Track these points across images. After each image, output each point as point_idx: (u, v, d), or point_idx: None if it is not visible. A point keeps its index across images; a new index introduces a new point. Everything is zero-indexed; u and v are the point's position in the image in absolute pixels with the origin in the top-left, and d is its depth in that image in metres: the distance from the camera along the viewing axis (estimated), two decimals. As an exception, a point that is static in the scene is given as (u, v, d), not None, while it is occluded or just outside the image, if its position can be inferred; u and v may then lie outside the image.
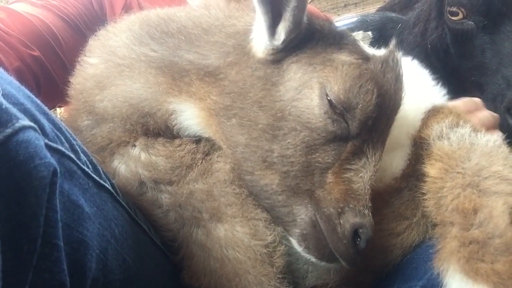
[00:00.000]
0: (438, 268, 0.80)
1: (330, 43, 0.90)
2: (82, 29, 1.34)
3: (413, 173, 0.99)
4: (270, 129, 0.84)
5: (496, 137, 0.97)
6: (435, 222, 0.89)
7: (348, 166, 0.84)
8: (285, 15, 0.85)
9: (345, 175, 0.83)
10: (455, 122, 1.01)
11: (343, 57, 0.87)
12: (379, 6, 2.08)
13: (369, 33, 1.33)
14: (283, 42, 0.87)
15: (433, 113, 1.04)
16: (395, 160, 1.01)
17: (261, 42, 0.88)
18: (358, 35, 1.29)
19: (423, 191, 0.93)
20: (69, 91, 1.03)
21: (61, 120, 1.53)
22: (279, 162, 0.83)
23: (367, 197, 0.83)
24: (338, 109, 0.82)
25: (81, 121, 0.98)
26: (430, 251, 0.85)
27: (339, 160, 0.83)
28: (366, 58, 0.90)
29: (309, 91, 0.84)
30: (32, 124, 0.55)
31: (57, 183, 0.56)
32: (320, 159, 0.83)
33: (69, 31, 1.30)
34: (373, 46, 1.28)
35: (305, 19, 0.88)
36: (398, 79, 0.90)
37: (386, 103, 0.87)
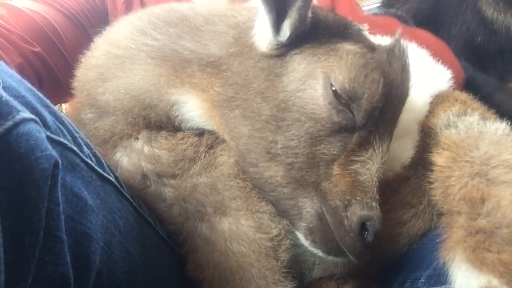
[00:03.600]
0: (444, 258, 0.80)
1: (334, 32, 0.89)
2: (84, 24, 1.35)
3: (421, 161, 0.99)
4: (274, 120, 0.84)
5: (505, 125, 0.97)
6: (442, 211, 0.89)
7: (355, 158, 0.83)
8: (290, 13, 0.84)
9: (352, 167, 0.83)
10: (463, 110, 1.00)
11: (348, 46, 0.87)
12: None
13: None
14: (288, 38, 0.86)
15: (439, 100, 1.04)
16: (405, 147, 1.01)
17: (264, 38, 0.88)
18: None
19: (430, 180, 0.93)
20: (73, 83, 1.04)
21: (66, 114, 1.55)
22: (283, 153, 0.83)
23: (375, 189, 0.82)
24: (343, 99, 0.81)
25: (85, 114, 0.99)
26: (437, 240, 0.85)
27: (345, 151, 0.83)
28: (371, 47, 0.90)
29: (313, 81, 0.84)
30: (33, 116, 0.56)
31: (58, 175, 0.56)
32: (325, 151, 0.82)
33: (70, 26, 1.31)
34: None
35: (310, 12, 0.87)
36: (404, 68, 0.89)
37: (393, 93, 0.86)
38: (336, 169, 0.82)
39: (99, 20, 1.38)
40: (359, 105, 0.82)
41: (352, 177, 0.82)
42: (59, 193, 0.56)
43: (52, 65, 1.24)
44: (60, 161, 0.56)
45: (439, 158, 0.94)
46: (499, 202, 0.81)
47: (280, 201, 0.86)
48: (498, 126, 0.96)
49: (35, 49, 1.19)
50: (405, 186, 0.98)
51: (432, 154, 0.96)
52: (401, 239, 0.95)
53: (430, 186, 0.93)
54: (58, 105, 1.62)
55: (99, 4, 1.43)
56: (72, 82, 1.05)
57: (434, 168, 0.94)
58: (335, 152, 0.82)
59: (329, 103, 0.82)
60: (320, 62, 0.85)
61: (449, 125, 0.99)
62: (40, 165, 0.53)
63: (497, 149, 0.90)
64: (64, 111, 1.67)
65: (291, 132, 0.83)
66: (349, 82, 0.82)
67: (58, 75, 1.26)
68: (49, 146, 0.55)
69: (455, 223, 0.83)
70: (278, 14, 0.85)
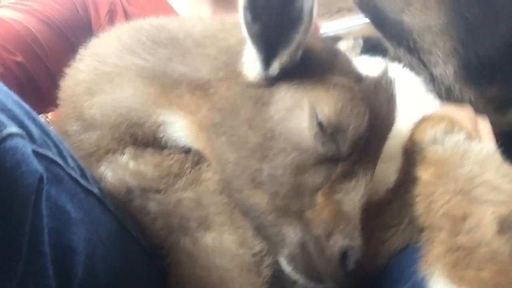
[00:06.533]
0: (424, 272, 0.84)
1: (322, 62, 0.92)
2: (67, 34, 1.37)
3: (403, 183, 1.03)
4: (260, 148, 0.86)
5: (490, 145, 1.02)
6: (423, 225, 0.92)
7: (339, 188, 0.87)
8: (281, 53, 0.87)
9: (335, 197, 0.86)
10: (450, 127, 1.05)
11: (335, 78, 0.90)
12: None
13: (360, 40, 1.36)
14: (277, 74, 0.89)
15: (425, 117, 1.08)
16: (389, 171, 1.05)
17: (252, 69, 0.90)
18: (349, 42, 1.33)
19: (414, 194, 0.97)
20: (59, 94, 1.07)
21: (50, 123, 1.57)
22: (269, 182, 0.86)
23: (357, 218, 0.86)
24: (328, 131, 0.85)
25: (70, 126, 1.02)
26: (417, 255, 0.89)
27: (330, 181, 0.86)
28: (359, 78, 0.92)
29: (299, 112, 0.86)
30: (19, 131, 0.59)
31: (43, 189, 0.60)
32: (310, 180, 0.85)
33: (53, 36, 1.33)
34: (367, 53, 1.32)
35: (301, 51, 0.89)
36: (391, 100, 0.93)
37: (378, 125, 0.90)
38: (320, 198, 0.85)
39: (82, 30, 1.40)
40: (344, 137, 0.85)
41: (336, 206, 0.85)
42: (43, 207, 0.60)
43: (34, 75, 1.26)
44: (45, 175, 0.59)
45: (424, 174, 0.98)
46: (480, 221, 0.85)
47: (263, 227, 0.89)
48: (483, 146, 1.00)
49: (17, 59, 1.21)
50: (388, 208, 1.02)
51: (417, 169, 1.00)
52: (381, 256, 0.98)
53: (414, 200, 0.97)
54: (43, 115, 1.63)
55: (82, 14, 1.45)
56: (55, 92, 1.07)
57: (418, 183, 0.98)
58: (319, 182, 0.85)
59: (315, 135, 0.84)
60: (307, 93, 0.88)
61: (436, 142, 1.03)
62: (25, 180, 0.56)
63: (481, 168, 0.94)
64: (49, 117, 1.68)
65: (276, 161, 0.85)
66: (335, 115, 0.84)
67: (40, 85, 1.28)
68: (35, 161, 0.58)
69: (436, 238, 0.87)
70: (268, 51, 0.87)
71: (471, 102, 1.34)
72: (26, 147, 0.58)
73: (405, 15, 1.35)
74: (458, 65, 1.35)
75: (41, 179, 0.58)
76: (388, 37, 1.46)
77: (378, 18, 1.43)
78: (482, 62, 1.34)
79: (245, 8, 0.83)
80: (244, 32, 0.86)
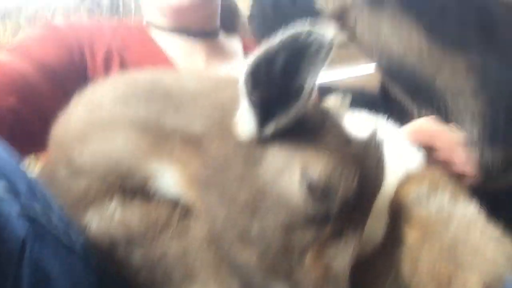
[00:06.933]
0: None
1: (314, 123, 0.93)
2: (61, 79, 1.37)
3: (388, 240, 1.03)
4: (250, 206, 0.86)
5: (475, 206, 1.03)
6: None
7: (328, 248, 0.86)
8: (278, 118, 0.87)
9: (324, 257, 0.85)
10: (433, 188, 1.06)
11: (326, 140, 0.91)
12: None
13: (349, 94, 1.38)
14: (271, 134, 0.89)
15: (409, 176, 1.09)
16: (375, 227, 1.05)
17: (246, 128, 0.90)
18: (338, 97, 1.35)
19: (400, 255, 0.98)
20: (49, 139, 1.07)
21: (38, 165, 1.55)
22: (257, 239, 0.85)
23: (346, 279, 0.85)
24: (318, 193, 0.85)
25: (58, 172, 1.02)
26: None
27: (318, 241, 0.86)
28: (348, 141, 0.93)
29: (289, 173, 0.87)
30: (5, 189, 0.59)
31: (26, 251, 0.59)
32: (298, 241, 0.85)
33: (46, 82, 1.33)
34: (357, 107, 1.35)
35: None
36: (379, 163, 0.94)
37: (367, 186, 0.90)
38: (309, 259, 0.85)
39: (77, 75, 1.40)
40: (334, 199, 0.85)
41: (325, 267, 0.84)
42: (25, 270, 0.59)
43: (25, 119, 1.25)
44: (28, 239, 0.59)
45: (410, 235, 0.99)
46: (464, 286, 0.86)
47: (251, 286, 0.88)
48: (467, 208, 1.01)
49: (8, 103, 1.21)
50: (373, 265, 1.02)
51: (402, 231, 1.00)
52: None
53: (400, 261, 0.97)
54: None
55: (77, 60, 1.45)
56: (46, 137, 1.07)
57: (404, 244, 0.98)
58: (308, 242, 0.85)
59: (305, 196, 0.85)
60: (298, 153, 0.88)
61: (420, 203, 1.04)
62: (8, 245, 0.56)
63: (465, 233, 0.95)
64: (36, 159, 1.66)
65: (266, 220, 0.85)
66: (325, 177, 0.85)
67: (31, 129, 1.27)
68: (19, 225, 0.58)
69: (422, 302, 0.87)
70: (264, 115, 0.88)
71: (487, 164, 1.34)
72: (11, 208, 0.58)
73: (437, 79, 1.35)
74: (484, 125, 1.33)
75: (23, 244, 0.58)
76: (414, 99, 1.45)
77: (406, 83, 1.43)
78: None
79: (247, 78, 0.84)
80: (243, 97, 0.87)
